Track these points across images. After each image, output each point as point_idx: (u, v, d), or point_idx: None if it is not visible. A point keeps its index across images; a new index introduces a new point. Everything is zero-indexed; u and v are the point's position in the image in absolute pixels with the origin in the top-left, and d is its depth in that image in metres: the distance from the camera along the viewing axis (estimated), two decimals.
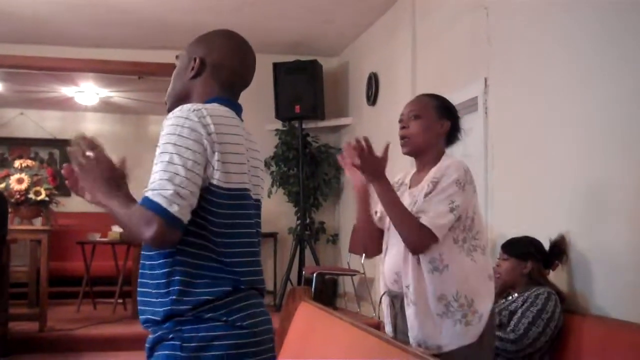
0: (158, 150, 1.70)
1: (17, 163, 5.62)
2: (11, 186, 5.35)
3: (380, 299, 2.72)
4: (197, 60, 1.89)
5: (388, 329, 2.65)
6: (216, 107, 1.79)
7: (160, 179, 1.64)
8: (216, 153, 1.70)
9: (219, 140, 1.71)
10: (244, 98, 1.97)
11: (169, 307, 1.69)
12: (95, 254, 7.20)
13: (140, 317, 1.78)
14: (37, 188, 5.46)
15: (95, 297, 7.27)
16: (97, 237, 7.19)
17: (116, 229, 6.99)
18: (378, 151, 2.39)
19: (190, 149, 1.67)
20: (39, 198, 5.48)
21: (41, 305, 5.70)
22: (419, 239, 2.40)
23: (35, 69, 7.63)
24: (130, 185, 1.79)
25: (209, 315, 1.68)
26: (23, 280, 6.84)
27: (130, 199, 1.70)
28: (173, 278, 1.69)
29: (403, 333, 2.52)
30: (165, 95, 1.98)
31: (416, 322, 2.44)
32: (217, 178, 1.71)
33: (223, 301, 1.69)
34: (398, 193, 2.53)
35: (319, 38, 7.19)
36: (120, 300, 7.02)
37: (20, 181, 5.41)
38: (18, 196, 5.36)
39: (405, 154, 2.61)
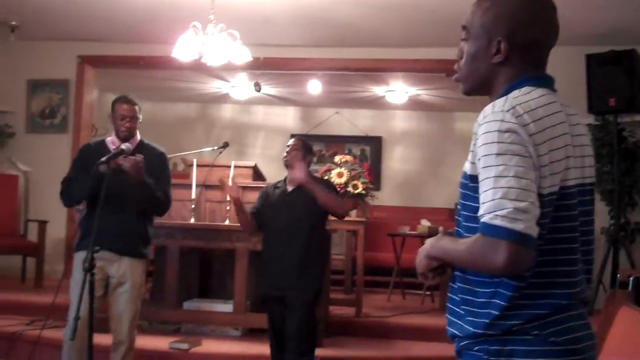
0: (480, 165, 1.55)
1: (337, 158, 6.01)
2: (332, 179, 5.75)
3: None
4: (503, 45, 1.68)
5: None
6: (530, 97, 1.61)
7: (492, 198, 1.48)
8: (540, 157, 1.54)
9: (541, 139, 1.55)
10: None
11: (481, 329, 1.60)
12: (405, 246, 7.45)
13: (448, 329, 1.71)
14: (355, 182, 5.80)
15: (404, 288, 7.53)
16: (406, 230, 7.45)
17: (425, 223, 7.19)
18: None
19: (516, 155, 1.50)
20: (356, 191, 5.81)
21: (357, 292, 6.05)
22: None
23: (351, 70, 8.13)
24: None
25: (516, 328, 1.57)
26: (339, 268, 7.33)
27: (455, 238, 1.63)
28: (492, 300, 1.58)
29: None
30: (457, 72, 1.81)
31: None
32: (540, 185, 1.54)
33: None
34: None
35: (635, 26, 6.69)
36: (428, 293, 7.19)
37: (340, 175, 5.79)
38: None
39: None
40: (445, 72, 8.17)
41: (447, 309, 1.73)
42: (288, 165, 4.33)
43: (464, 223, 1.67)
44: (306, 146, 4.39)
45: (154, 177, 4.01)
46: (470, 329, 1.62)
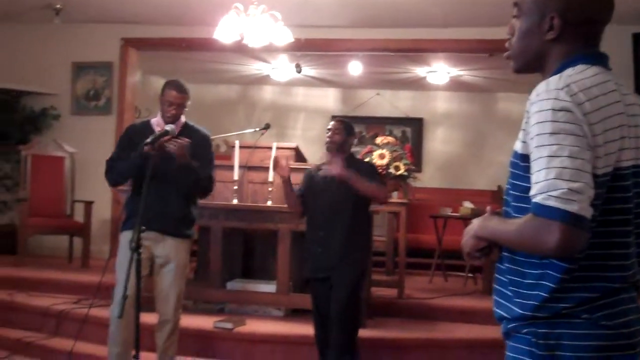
0: (532, 144, 1.52)
1: (378, 140, 5.99)
2: (374, 161, 5.74)
3: None
4: (557, 21, 1.64)
5: None
6: (584, 75, 1.57)
7: (545, 178, 1.45)
8: (595, 137, 1.50)
9: (596, 119, 1.51)
10: None
11: (529, 311, 1.58)
12: (447, 227, 7.41)
13: (495, 310, 1.70)
14: (397, 163, 5.78)
15: (446, 270, 7.50)
16: (448, 211, 7.40)
17: (467, 205, 7.13)
18: None
19: (571, 134, 1.47)
20: (398, 173, 5.79)
21: (399, 274, 6.05)
22: None
23: (392, 51, 8.06)
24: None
25: (566, 311, 1.55)
26: (381, 250, 7.32)
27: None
28: (541, 282, 1.57)
29: None
30: (509, 50, 1.76)
31: None
32: (594, 166, 1.50)
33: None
34: None
35: None
36: (470, 275, 7.15)
37: (382, 156, 5.77)
38: (380, 170, 5.72)
39: None
40: (488, 52, 8.08)
41: (495, 290, 1.72)
42: (329, 150, 4.33)
43: (513, 203, 1.65)
44: (348, 128, 4.36)
45: (197, 160, 4.04)
46: (518, 310, 1.61)
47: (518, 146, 1.62)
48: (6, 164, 8.28)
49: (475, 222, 1.70)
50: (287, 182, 4.33)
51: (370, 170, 4.35)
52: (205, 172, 4.12)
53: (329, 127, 4.36)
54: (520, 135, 1.61)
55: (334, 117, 4.82)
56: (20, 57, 8.32)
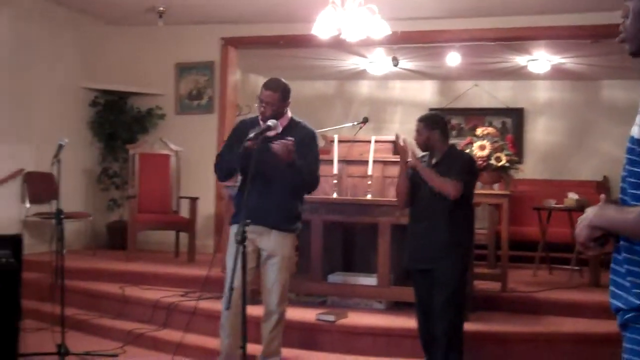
0: None
1: (478, 131, 5.90)
2: (474, 152, 5.66)
3: None
4: None
5: None
6: None
7: None
8: None
9: None
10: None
11: None
12: (551, 219, 7.22)
13: (611, 301, 1.66)
14: (498, 154, 5.68)
15: (551, 263, 7.31)
16: (552, 203, 7.21)
17: (573, 196, 6.93)
18: None
19: None
20: (499, 164, 5.69)
21: (502, 267, 5.94)
22: None
23: (490, 40, 7.92)
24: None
25: None
26: (482, 243, 7.21)
27: None
28: None
29: None
30: (623, 32, 1.71)
31: None
32: None
33: None
34: None
35: None
36: (576, 268, 6.94)
37: (482, 148, 5.69)
38: (480, 162, 5.63)
39: None
40: (591, 39, 7.82)
41: (611, 281, 1.67)
42: (419, 147, 4.35)
43: (631, 190, 1.60)
44: (429, 123, 4.31)
45: (302, 155, 4.09)
46: (636, 301, 1.57)
47: (635, 131, 1.58)
48: (115, 163, 8.64)
49: (590, 211, 1.66)
50: (405, 168, 4.34)
51: (459, 164, 4.25)
52: (309, 168, 4.17)
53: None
54: (637, 119, 1.57)
55: (430, 110, 4.78)
56: (126, 60, 8.67)
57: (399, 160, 4.87)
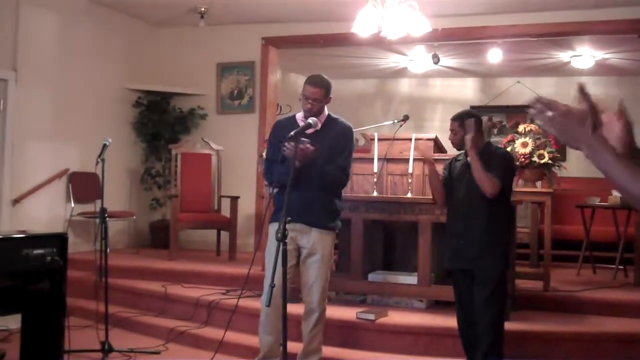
0: None
1: (520, 128, 5.84)
2: (516, 149, 5.60)
3: None
4: None
5: None
6: None
7: None
8: None
9: None
10: None
11: None
12: (595, 218, 7.10)
13: None
14: (541, 151, 5.61)
15: (594, 262, 7.19)
16: (596, 201, 7.10)
17: (617, 194, 6.81)
18: None
19: None
20: (542, 161, 5.62)
21: (545, 266, 5.87)
22: None
23: (533, 36, 7.82)
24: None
25: None
26: (525, 241, 7.13)
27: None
28: None
29: None
30: None
31: None
32: None
33: None
34: None
35: None
36: (620, 267, 6.82)
37: (524, 145, 5.63)
38: (522, 159, 5.58)
39: None
40: (637, 33, 7.67)
41: None
42: (455, 147, 4.32)
43: None
44: (466, 121, 4.27)
45: (336, 150, 4.12)
46: None
47: None
48: (158, 163, 8.75)
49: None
50: (432, 169, 4.33)
51: (495, 161, 4.18)
52: (340, 164, 4.18)
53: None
54: None
55: (472, 107, 4.74)
56: (169, 60, 8.79)
57: (442, 157, 4.85)
